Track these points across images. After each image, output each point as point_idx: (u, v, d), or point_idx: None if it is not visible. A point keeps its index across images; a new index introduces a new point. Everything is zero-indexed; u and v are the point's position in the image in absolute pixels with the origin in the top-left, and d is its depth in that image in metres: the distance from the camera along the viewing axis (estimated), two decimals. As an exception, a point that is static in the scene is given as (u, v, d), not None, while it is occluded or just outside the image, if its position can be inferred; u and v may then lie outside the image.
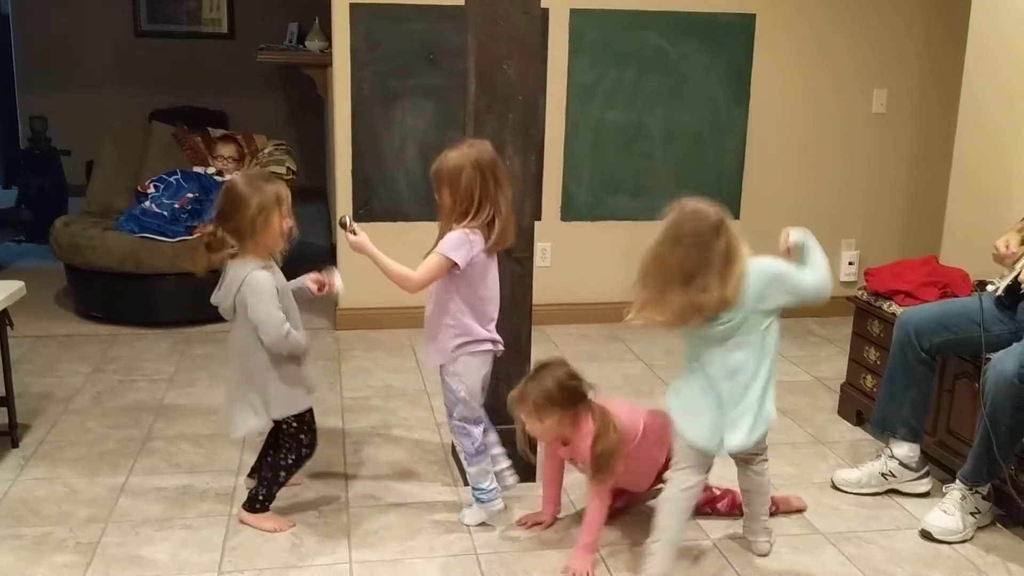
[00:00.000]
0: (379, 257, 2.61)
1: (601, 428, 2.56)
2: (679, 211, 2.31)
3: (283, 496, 2.82)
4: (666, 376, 4.13)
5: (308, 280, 2.76)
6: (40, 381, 3.87)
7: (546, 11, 4.39)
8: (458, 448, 2.87)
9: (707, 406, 2.40)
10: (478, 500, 2.80)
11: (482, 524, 2.80)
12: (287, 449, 2.74)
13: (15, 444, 3.25)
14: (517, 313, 3.00)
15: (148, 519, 2.80)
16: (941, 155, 4.36)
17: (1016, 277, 2.80)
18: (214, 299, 2.65)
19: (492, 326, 2.73)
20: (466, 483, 2.89)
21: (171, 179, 4.88)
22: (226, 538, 2.70)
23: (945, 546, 2.75)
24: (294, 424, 2.72)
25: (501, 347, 2.76)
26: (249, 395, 2.65)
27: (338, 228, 2.66)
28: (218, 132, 5.46)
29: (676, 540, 2.48)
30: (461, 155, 2.61)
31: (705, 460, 2.47)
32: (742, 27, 4.72)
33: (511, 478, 2.90)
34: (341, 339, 4.53)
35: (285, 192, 2.61)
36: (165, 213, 4.68)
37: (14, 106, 7.47)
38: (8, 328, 3.21)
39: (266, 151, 5.21)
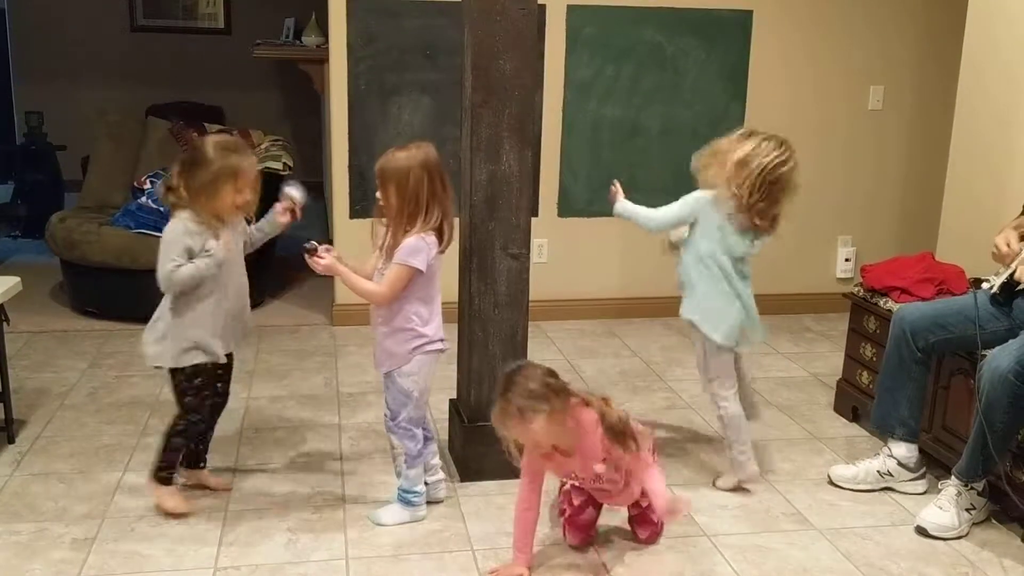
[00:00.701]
0: (347, 275, 2.65)
1: (602, 408, 2.46)
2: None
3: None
4: (662, 372, 4.13)
5: (276, 215, 2.81)
6: (36, 377, 3.86)
7: (543, 7, 4.39)
8: (400, 450, 2.81)
9: (731, 307, 2.88)
10: (408, 503, 2.79)
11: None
12: (177, 414, 2.77)
13: (11, 440, 3.24)
14: (514, 310, 3.00)
15: (144, 515, 2.79)
16: (937, 152, 4.37)
17: (1011, 275, 2.81)
18: None
19: (440, 325, 2.75)
20: (395, 483, 2.83)
21: (167, 175, 4.87)
22: (222, 534, 2.69)
23: (940, 542, 2.76)
24: (184, 382, 2.74)
25: (447, 346, 2.79)
26: (158, 324, 2.72)
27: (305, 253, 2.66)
28: (214, 127, 5.45)
29: (748, 440, 2.99)
30: (409, 156, 2.62)
31: (731, 362, 2.96)
32: (739, 23, 4.72)
33: (444, 491, 2.92)
34: (337, 335, 4.53)
35: (248, 167, 2.65)
36: (161, 209, 4.65)
37: (10, 101, 7.45)
38: (4, 323, 3.21)
39: (263, 147, 5.20)
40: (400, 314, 2.67)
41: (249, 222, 2.81)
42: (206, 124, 5.54)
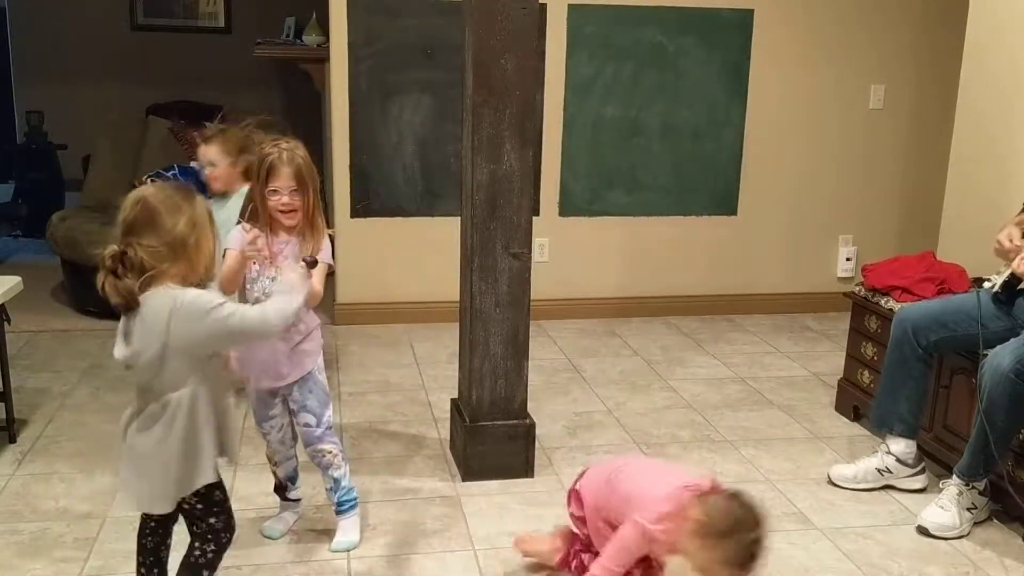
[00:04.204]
0: (317, 283, 2.46)
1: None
2: None
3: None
4: (663, 371, 4.13)
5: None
6: (37, 376, 3.86)
7: (544, 6, 4.39)
8: (333, 452, 2.64)
9: None
10: (353, 505, 2.68)
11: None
12: (198, 544, 2.18)
13: (12, 439, 3.25)
14: (515, 309, 3.00)
15: (146, 514, 2.79)
16: (938, 151, 4.37)
17: (1013, 273, 2.81)
18: (120, 353, 2.00)
19: None
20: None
21: (168, 174, 4.87)
22: (224, 533, 2.69)
23: (941, 541, 2.76)
24: (200, 504, 2.13)
25: None
26: (184, 454, 2.02)
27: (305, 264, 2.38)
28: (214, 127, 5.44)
29: None
30: (304, 152, 2.52)
31: None
32: (740, 22, 4.72)
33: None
34: (338, 334, 4.53)
35: (209, 210, 2.08)
36: (162, 208, 4.67)
37: (10, 100, 7.44)
38: (5, 323, 3.21)
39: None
40: (309, 314, 2.55)
41: None
42: (207, 123, 5.54)
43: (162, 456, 2.01)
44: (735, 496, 2.09)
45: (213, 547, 2.17)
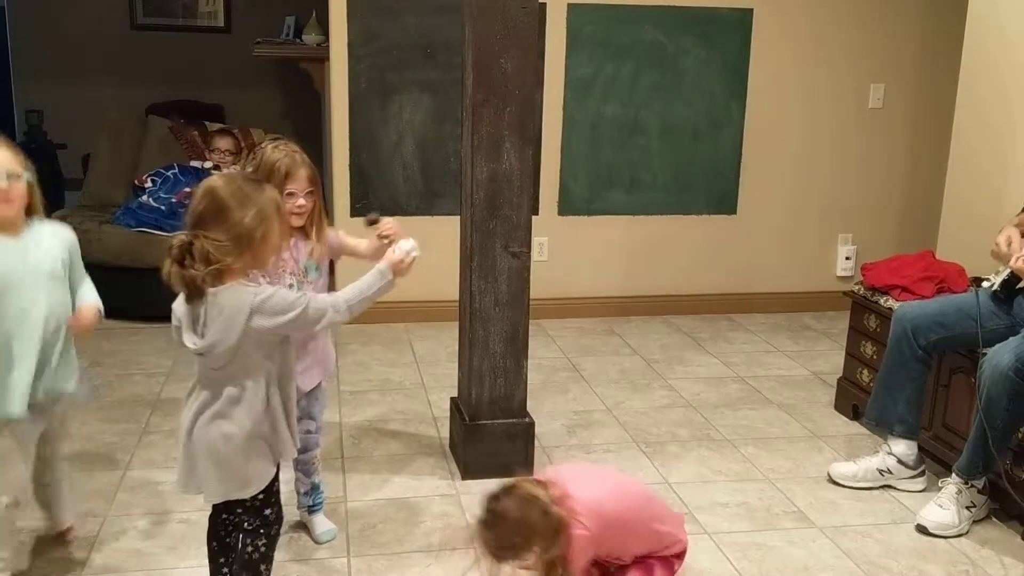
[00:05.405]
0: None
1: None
2: None
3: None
4: (662, 370, 4.14)
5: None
6: (37, 375, 3.86)
7: (543, 5, 4.39)
8: (317, 457, 2.69)
9: None
10: (322, 503, 2.72)
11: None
12: (250, 540, 2.17)
13: (13, 438, 3.24)
14: (515, 308, 3.00)
15: (147, 513, 2.80)
16: (938, 150, 4.37)
17: (1012, 272, 2.81)
18: (192, 343, 2.01)
19: None
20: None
21: (168, 173, 4.88)
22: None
23: (941, 540, 2.76)
24: (259, 499, 2.16)
25: None
26: (262, 438, 2.08)
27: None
28: (215, 126, 5.45)
29: None
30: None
31: None
32: (739, 22, 4.72)
33: None
34: (339, 332, 4.53)
35: (279, 198, 2.14)
36: (162, 207, 4.68)
37: (10, 99, 7.44)
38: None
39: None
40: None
41: None
42: (206, 123, 5.54)
43: (241, 439, 2.04)
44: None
45: (264, 541, 2.18)
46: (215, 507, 2.19)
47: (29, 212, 2.36)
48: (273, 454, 2.11)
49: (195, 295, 1.98)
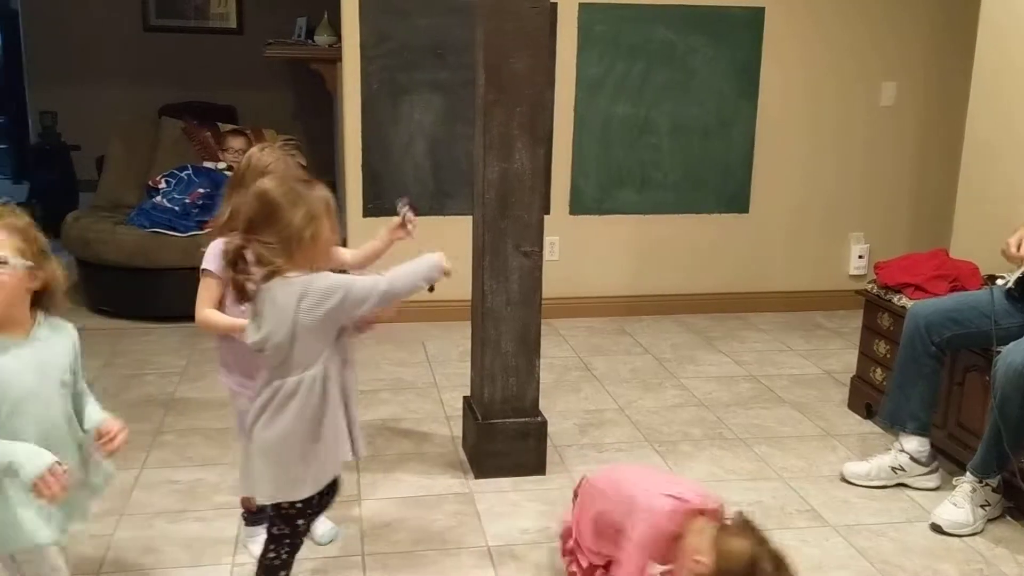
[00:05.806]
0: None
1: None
2: None
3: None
4: (674, 369, 4.13)
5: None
6: (52, 375, 3.88)
7: (554, 5, 4.39)
8: None
9: None
10: None
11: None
12: (274, 546, 2.19)
13: (28, 438, 3.26)
14: (527, 307, 3.01)
15: (162, 512, 2.82)
16: (950, 148, 4.35)
17: (1026, 270, 2.81)
18: (252, 338, 2.06)
19: None
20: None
21: (182, 174, 4.91)
22: (239, 530, 2.71)
23: (955, 539, 2.75)
24: (295, 509, 2.15)
25: None
26: (320, 440, 2.07)
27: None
28: (228, 127, 5.47)
29: None
30: None
31: None
32: (750, 21, 4.71)
33: None
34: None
35: (330, 196, 2.12)
36: (176, 208, 4.71)
37: (24, 101, 7.49)
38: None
39: (275, 146, 5.22)
40: None
41: None
42: (219, 123, 5.57)
43: (299, 435, 2.05)
44: (746, 529, 2.00)
45: (288, 550, 2.18)
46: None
47: (37, 302, 1.98)
48: (332, 456, 2.10)
49: (247, 298, 2.03)
